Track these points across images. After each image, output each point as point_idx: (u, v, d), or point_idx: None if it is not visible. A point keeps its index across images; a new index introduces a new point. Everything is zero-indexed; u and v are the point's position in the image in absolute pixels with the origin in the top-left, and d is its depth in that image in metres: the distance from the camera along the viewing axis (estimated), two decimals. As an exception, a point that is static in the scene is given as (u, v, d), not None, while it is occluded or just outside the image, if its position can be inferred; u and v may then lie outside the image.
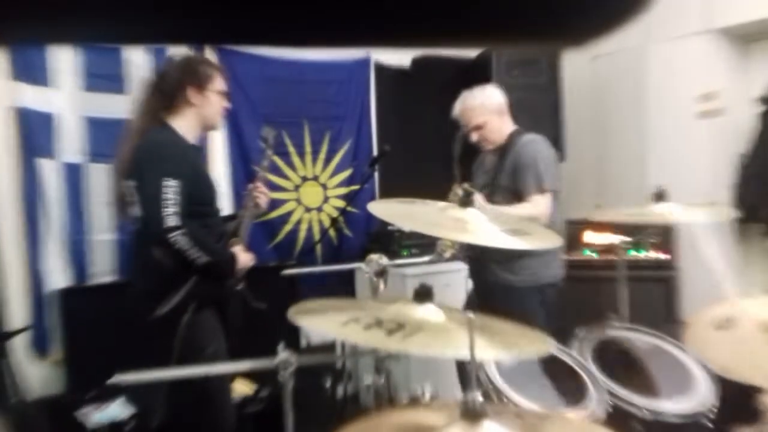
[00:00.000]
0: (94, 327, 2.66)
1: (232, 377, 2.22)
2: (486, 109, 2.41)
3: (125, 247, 2.92)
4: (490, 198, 2.35)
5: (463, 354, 1.02)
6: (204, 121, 2.08)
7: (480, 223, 1.45)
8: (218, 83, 2.09)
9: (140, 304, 1.94)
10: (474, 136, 2.41)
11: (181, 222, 1.84)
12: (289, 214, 3.54)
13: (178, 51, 2.44)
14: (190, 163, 1.99)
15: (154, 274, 1.93)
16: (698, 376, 1.67)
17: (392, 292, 1.64)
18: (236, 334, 2.12)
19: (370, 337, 1.09)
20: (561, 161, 3.32)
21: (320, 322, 1.21)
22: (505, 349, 1.22)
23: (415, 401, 1.57)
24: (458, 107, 2.45)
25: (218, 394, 2.02)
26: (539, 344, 1.21)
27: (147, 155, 1.93)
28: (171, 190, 1.84)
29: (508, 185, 2.37)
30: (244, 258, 2.09)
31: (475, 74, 3.25)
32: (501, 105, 2.45)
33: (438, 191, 1.99)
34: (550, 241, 1.53)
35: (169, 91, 2.02)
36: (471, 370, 1.02)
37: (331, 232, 3.32)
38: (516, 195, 2.33)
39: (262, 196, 2.22)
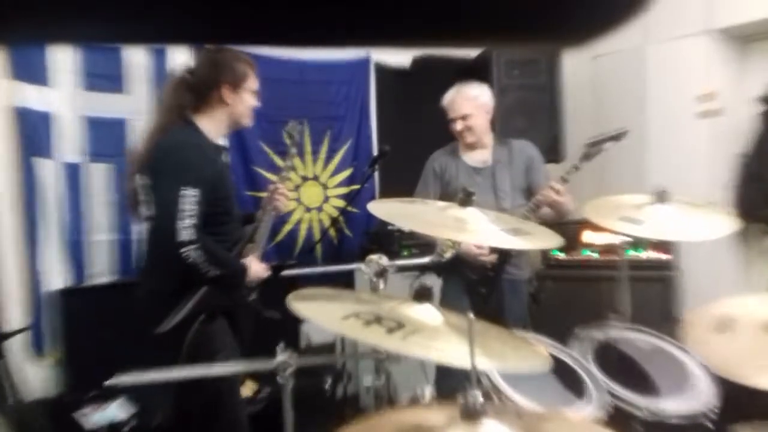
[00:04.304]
0: (93, 327, 2.66)
1: (241, 381, 2.18)
2: (478, 102, 2.46)
3: (124, 247, 2.92)
4: (505, 194, 2.39)
5: (462, 359, 1.02)
6: (234, 120, 1.99)
7: (480, 223, 1.45)
8: (252, 82, 1.99)
9: (147, 305, 1.91)
10: (458, 125, 2.43)
11: (196, 235, 1.76)
12: (289, 213, 3.54)
13: (185, 49, 2.39)
14: (211, 167, 1.90)
15: (164, 275, 1.89)
16: (698, 376, 1.67)
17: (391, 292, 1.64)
18: (247, 343, 2.08)
19: (370, 334, 1.09)
20: (561, 161, 3.33)
21: (320, 316, 1.21)
22: (501, 360, 1.22)
23: (415, 401, 1.57)
24: (451, 95, 2.48)
25: (228, 398, 1.98)
26: (536, 358, 1.21)
27: (166, 156, 1.83)
28: (188, 200, 1.76)
29: (520, 183, 2.45)
30: (256, 269, 2.03)
31: (475, 74, 3.25)
32: (490, 106, 2.51)
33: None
34: (550, 240, 1.53)
35: (201, 88, 1.92)
36: (472, 370, 1.02)
37: (332, 232, 3.32)
38: (527, 192, 2.40)
39: (282, 198, 2.15)
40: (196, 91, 1.93)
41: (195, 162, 1.84)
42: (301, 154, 3.56)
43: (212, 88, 1.93)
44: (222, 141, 2.12)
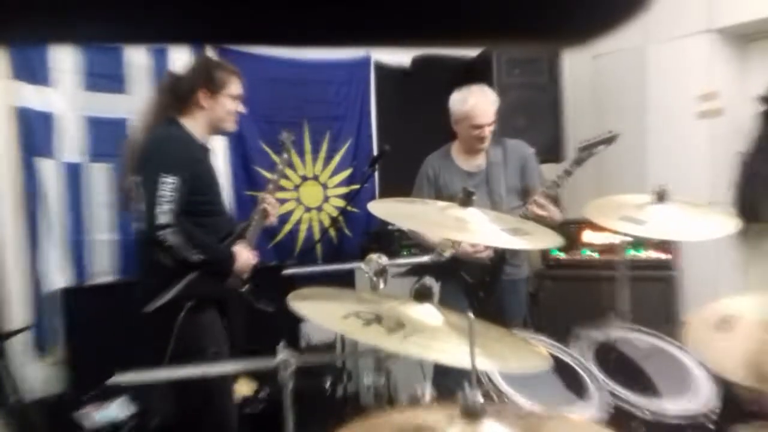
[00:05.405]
0: (94, 327, 2.66)
1: (234, 378, 2.21)
2: (496, 107, 2.42)
3: (125, 247, 2.92)
4: (501, 198, 2.38)
5: (463, 360, 1.02)
6: (213, 124, 2.08)
7: (480, 223, 1.45)
8: (233, 88, 2.09)
9: (142, 303, 1.94)
10: (486, 132, 2.37)
11: (174, 219, 1.84)
12: (289, 213, 3.54)
13: (198, 52, 2.44)
14: (193, 159, 1.99)
15: (156, 272, 1.93)
16: (699, 376, 1.67)
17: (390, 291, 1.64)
18: (239, 335, 2.11)
19: (370, 335, 1.09)
20: (560, 161, 3.33)
21: (320, 314, 1.20)
22: (501, 361, 1.21)
23: (415, 401, 1.57)
24: (477, 99, 2.37)
25: (219, 396, 2.01)
26: (536, 358, 1.21)
27: (150, 150, 1.94)
28: (168, 186, 1.85)
29: (515, 185, 2.41)
30: (244, 257, 2.07)
31: (475, 74, 3.25)
32: None
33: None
34: (549, 239, 1.53)
35: (181, 92, 2.03)
36: (472, 370, 1.02)
37: (331, 232, 3.32)
38: (522, 193, 2.38)
39: (270, 207, 2.20)
40: (177, 95, 2.04)
41: (175, 151, 1.95)
42: (301, 154, 3.56)
43: (190, 92, 2.03)
44: (208, 143, 2.17)
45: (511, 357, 1.21)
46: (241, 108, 2.15)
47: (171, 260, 1.89)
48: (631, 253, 3.01)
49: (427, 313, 1.21)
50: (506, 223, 1.52)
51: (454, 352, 1.08)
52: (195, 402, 1.96)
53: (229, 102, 2.08)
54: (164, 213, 1.83)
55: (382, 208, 1.62)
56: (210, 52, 2.92)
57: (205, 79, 2.04)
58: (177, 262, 1.89)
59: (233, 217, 2.25)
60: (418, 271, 2.69)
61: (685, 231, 1.85)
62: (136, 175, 1.96)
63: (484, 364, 1.05)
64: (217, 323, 2.03)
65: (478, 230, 1.43)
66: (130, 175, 1.99)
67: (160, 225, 1.83)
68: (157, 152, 1.93)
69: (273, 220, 2.25)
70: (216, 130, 2.13)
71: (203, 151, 2.09)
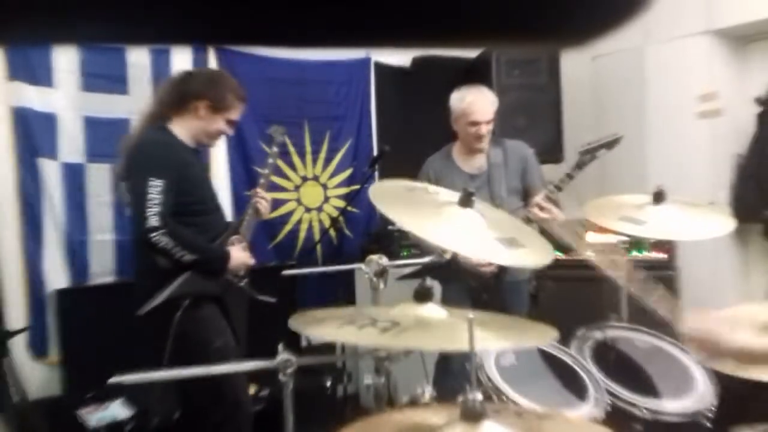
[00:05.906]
0: (93, 327, 2.66)
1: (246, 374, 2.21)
2: (495, 107, 2.42)
3: (125, 248, 2.92)
4: (502, 199, 2.37)
5: (457, 346, 1.02)
6: (200, 135, 2.09)
7: (476, 231, 1.44)
8: (234, 114, 2.11)
9: (141, 304, 1.95)
10: (483, 129, 2.37)
11: (163, 222, 1.86)
12: (289, 214, 3.54)
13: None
14: (180, 161, 2.00)
15: (152, 273, 1.95)
16: (697, 376, 1.67)
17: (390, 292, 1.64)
18: (240, 331, 2.12)
19: (365, 336, 1.09)
20: (560, 161, 3.33)
21: (319, 328, 1.21)
22: (505, 339, 1.22)
23: (415, 401, 1.57)
24: (474, 98, 2.38)
25: (230, 390, 2.01)
26: (541, 335, 1.21)
27: (136, 155, 1.96)
28: (155, 189, 1.86)
29: (516, 186, 2.41)
30: (238, 255, 2.08)
31: (475, 74, 3.25)
32: None
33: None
34: (544, 254, 1.51)
35: (184, 92, 2.04)
36: (471, 370, 1.02)
37: (331, 232, 3.32)
38: (523, 194, 2.38)
39: (262, 201, 2.22)
40: (181, 93, 2.04)
41: (162, 155, 1.96)
42: (301, 155, 3.56)
43: (194, 97, 2.04)
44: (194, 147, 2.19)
45: (513, 336, 1.20)
46: (230, 132, 2.18)
47: (166, 262, 1.90)
48: (631, 253, 3.02)
49: (426, 310, 1.21)
50: (502, 231, 1.49)
51: (452, 339, 1.08)
52: (205, 398, 1.97)
53: (224, 124, 2.10)
54: (153, 215, 1.85)
55: (384, 192, 1.59)
56: (213, 58, 2.94)
57: (213, 93, 2.04)
58: (172, 263, 1.90)
59: (225, 216, 2.25)
60: (421, 273, 2.68)
61: (684, 231, 1.85)
62: (124, 180, 1.98)
63: (488, 342, 1.04)
64: (218, 317, 2.04)
65: (471, 240, 1.42)
66: (120, 179, 2.01)
67: (150, 228, 1.84)
68: (143, 156, 1.94)
69: (266, 213, 2.26)
70: (200, 141, 2.13)
71: (190, 153, 2.11)
